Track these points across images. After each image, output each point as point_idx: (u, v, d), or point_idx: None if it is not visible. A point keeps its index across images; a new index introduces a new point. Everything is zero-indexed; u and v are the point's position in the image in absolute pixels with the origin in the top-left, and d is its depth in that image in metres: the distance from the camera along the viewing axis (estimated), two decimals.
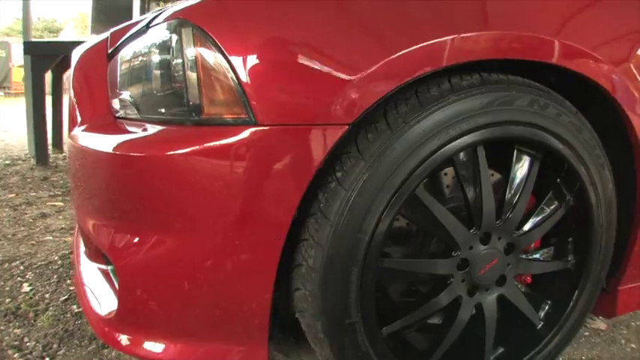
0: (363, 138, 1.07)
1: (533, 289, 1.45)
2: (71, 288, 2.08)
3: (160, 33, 1.09)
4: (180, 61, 1.03)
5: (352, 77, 1.01)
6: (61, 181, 4.03)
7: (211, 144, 1.00)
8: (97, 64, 1.35)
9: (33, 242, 2.61)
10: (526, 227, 1.32)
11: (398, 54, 1.03)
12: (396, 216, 1.10)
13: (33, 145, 4.66)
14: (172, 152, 1.01)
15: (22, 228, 2.84)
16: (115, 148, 1.09)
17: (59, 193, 3.68)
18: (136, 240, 1.09)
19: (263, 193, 1.02)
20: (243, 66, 0.99)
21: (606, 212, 1.34)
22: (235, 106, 1.00)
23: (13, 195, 3.58)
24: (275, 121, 1.00)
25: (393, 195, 1.07)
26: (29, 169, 4.49)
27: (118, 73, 1.25)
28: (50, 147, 4.85)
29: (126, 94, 1.21)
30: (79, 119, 1.36)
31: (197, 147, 1.00)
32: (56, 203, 3.38)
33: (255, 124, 1.00)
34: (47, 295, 2.01)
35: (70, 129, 1.36)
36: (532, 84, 1.21)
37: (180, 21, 1.03)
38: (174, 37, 1.04)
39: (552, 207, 1.35)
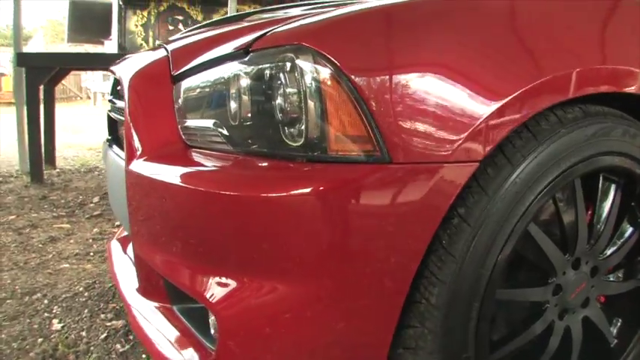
0: (483, 173, 1.04)
1: (606, 307, 1.45)
2: (108, 324, 1.93)
3: (268, 59, 1.00)
4: (295, 90, 0.95)
5: (489, 109, 0.97)
6: (62, 201, 3.83)
7: (336, 184, 0.92)
8: (158, 87, 1.23)
9: (50, 271, 2.47)
10: (608, 251, 1.33)
11: (535, 83, 1.01)
12: (513, 248, 1.08)
13: (27, 162, 4.46)
14: (294, 192, 0.92)
15: (33, 255, 2.69)
16: (218, 186, 0.99)
17: (63, 213, 3.49)
18: (246, 287, 1.01)
19: (391, 236, 0.96)
20: (377, 97, 0.92)
21: None
22: (366, 142, 0.93)
23: (13, 217, 3.37)
24: (409, 159, 0.94)
25: (514, 228, 1.06)
26: (24, 187, 4.25)
27: (195, 99, 1.16)
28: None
29: (207, 123, 1.12)
30: (137, 146, 1.22)
31: (321, 187, 0.92)
32: (63, 225, 3.22)
33: (388, 163, 0.93)
34: (83, 333, 1.86)
35: (129, 157, 1.22)
36: (623, 115, 1.24)
37: (299, 46, 0.95)
38: (290, 64, 0.96)
39: (630, 229, 1.36)
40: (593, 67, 1.11)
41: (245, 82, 1.03)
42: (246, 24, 1.40)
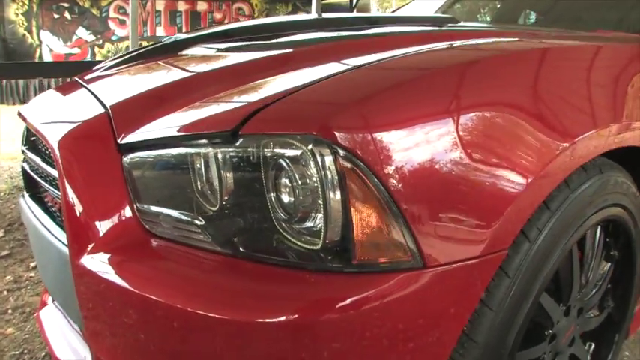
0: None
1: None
2: None
3: (267, 145, 0.79)
4: (306, 185, 0.77)
5: (516, 195, 0.87)
6: None
7: (365, 301, 0.75)
8: (103, 158, 0.97)
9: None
10: (592, 291, 1.30)
11: (557, 158, 0.93)
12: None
13: None
14: (308, 315, 0.74)
15: None
16: (200, 304, 0.77)
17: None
18: None
19: (418, 338, 0.83)
20: (409, 196, 0.76)
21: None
22: (397, 247, 0.77)
23: None
24: (442, 260, 0.80)
25: (532, 304, 0.98)
26: None
27: (157, 179, 0.93)
28: None
29: (176, 210, 0.90)
30: (83, 234, 0.95)
31: (346, 306, 0.74)
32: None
33: (421, 268, 0.79)
34: None
35: (75, 247, 0.94)
36: (612, 163, 1.19)
37: (313, 137, 0.76)
38: (300, 156, 0.77)
39: (607, 265, 1.34)
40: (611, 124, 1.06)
41: (232, 168, 0.83)
42: (205, 66, 1.17)
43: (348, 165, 0.74)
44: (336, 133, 0.75)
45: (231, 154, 0.81)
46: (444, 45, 1.12)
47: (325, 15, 2.06)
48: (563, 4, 2.19)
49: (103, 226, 0.91)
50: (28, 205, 1.30)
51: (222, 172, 0.82)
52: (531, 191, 0.90)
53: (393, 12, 2.90)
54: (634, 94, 1.16)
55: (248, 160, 0.80)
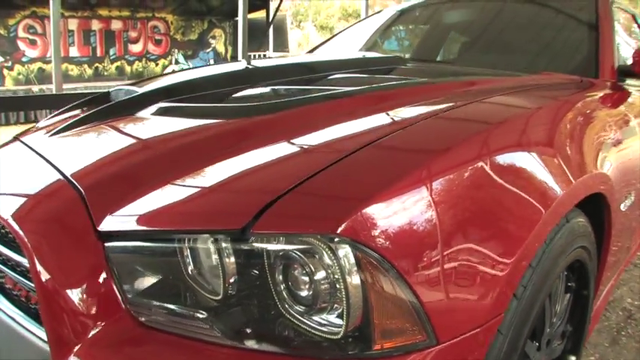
0: None
1: None
2: None
3: (280, 243, 0.77)
4: (324, 280, 0.76)
5: (514, 264, 0.91)
6: None
7: None
8: (77, 244, 0.89)
9: None
10: (558, 322, 1.35)
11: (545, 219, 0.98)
12: None
13: None
14: None
15: None
16: None
17: None
18: None
19: None
20: (423, 282, 0.78)
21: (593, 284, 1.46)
22: (414, 329, 0.78)
23: None
24: (453, 334, 0.82)
25: (520, 353, 1.02)
26: None
27: (148, 268, 0.85)
28: None
29: (171, 300, 0.83)
30: (64, 329, 0.85)
31: None
32: None
33: (435, 344, 0.79)
34: None
35: (57, 344, 0.84)
36: (579, 210, 1.24)
37: (331, 236, 0.75)
38: (318, 254, 0.76)
39: (567, 296, 1.40)
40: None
41: (242, 264, 0.78)
42: (175, 134, 1.09)
43: (366, 257, 0.75)
44: (353, 229, 0.75)
45: (240, 250, 0.78)
46: (445, 107, 1.12)
47: (255, 62, 2.00)
48: (486, 41, 2.26)
49: (90, 323, 0.82)
50: None
51: (228, 266, 0.77)
52: (523, 255, 0.93)
53: (316, 48, 2.88)
54: (596, 140, 1.22)
55: (260, 257, 0.77)
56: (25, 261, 0.93)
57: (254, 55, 14.70)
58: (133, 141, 1.13)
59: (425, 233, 0.80)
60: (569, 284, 1.41)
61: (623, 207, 1.53)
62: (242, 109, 1.18)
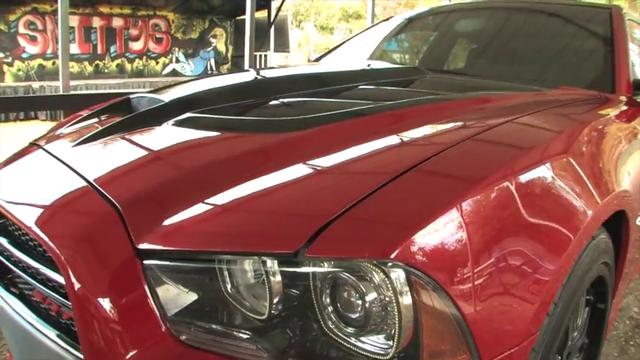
0: None
1: None
2: None
3: (334, 266, 0.78)
4: (376, 302, 0.78)
5: (548, 279, 0.94)
6: None
7: None
8: (116, 263, 0.87)
9: None
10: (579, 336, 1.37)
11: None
12: None
13: None
14: None
15: None
16: None
17: None
18: None
19: None
20: (470, 304, 0.80)
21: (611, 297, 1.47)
22: (459, 349, 0.80)
23: None
24: (494, 353, 0.84)
25: None
26: None
27: (191, 285, 0.85)
28: None
29: (212, 324, 0.83)
30: (104, 347, 0.85)
31: None
32: None
33: None
34: None
35: (92, 352, 0.85)
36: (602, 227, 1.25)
37: (385, 261, 0.77)
38: (371, 277, 0.77)
39: (586, 310, 1.42)
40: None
41: (291, 286, 0.79)
42: (210, 147, 1.09)
43: (417, 279, 0.76)
44: (405, 253, 0.76)
45: (290, 273, 0.78)
46: (477, 128, 1.13)
47: (265, 73, 1.99)
48: (496, 52, 2.26)
49: (129, 342, 0.82)
50: (2, 298, 1.15)
51: (275, 287, 0.78)
52: (558, 275, 0.96)
53: (324, 55, 2.87)
54: (618, 158, 1.23)
55: (309, 279, 0.77)
56: (58, 277, 0.92)
57: (259, 56, 14.70)
58: (166, 154, 1.12)
59: (470, 255, 0.82)
60: (588, 298, 1.42)
61: (638, 221, 1.54)
62: (275, 124, 1.18)
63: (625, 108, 1.64)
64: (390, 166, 0.95)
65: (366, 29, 3.17)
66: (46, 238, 0.94)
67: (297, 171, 0.96)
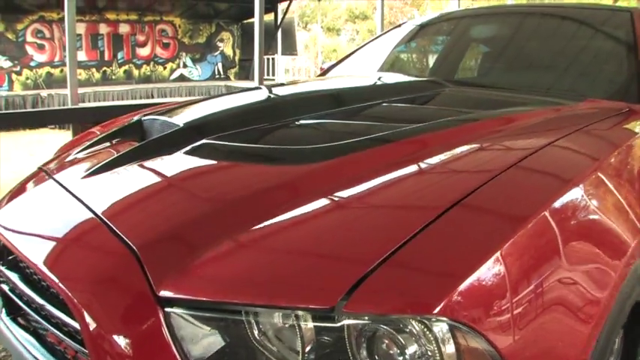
0: None
1: None
2: None
3: (373, 321, 0.74)
4: (419, 354, 0.73)
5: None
6: None
7: None
8: (134, 309, 0.83)
9: None
10: None
11: None
12: None
13: None
14: None
15: None
16: None
17: None
18: None
19: None
20: (514, 353, 0.76)
21: None
22: None
23: None
24: None
25: None
26: None
27: (211, 339, 0.79)
28: None
29: None
30: None
31: None
32: None
33: None
34: None
35: None
36: None
37: (429, 317, 0.72)
38: (412, 330, 0.73)
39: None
40: None
41: (325, 338, 0.74)
42: (234, 182, 1.05)
43: (460, 332, 0.72)
44: (449, 308, 0.70)
45: (325, 327, 0.73)
46: (514, 155, 1.07)
47: (278, 91, 1.92)
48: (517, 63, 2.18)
49: None
50: (13, 334, 1.11)
51: (307, 340, 0.72)
52: (605, 307, 0.92)
53: (334, 66, 2.81)
54: None
55: (346, 332, 0.72)
56: (74, 323, 0.88)
57: (266, 60, 14.72)
58: (184, 188, 1.06)
59: (514, 302, 0.77)
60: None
61: None
62: (298, 153, 1.11)
63: None
64: (428, 203, 0.89)
65: (377, 37, 3.11)
66: (56, 280, 0.89)
67: (327, 209, 0.90)
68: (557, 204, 0.91)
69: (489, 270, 0.75)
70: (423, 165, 1.04)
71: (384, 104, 1.51)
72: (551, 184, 0.99)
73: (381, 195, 0.95)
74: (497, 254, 0.77)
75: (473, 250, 0.78)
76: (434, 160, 1.05)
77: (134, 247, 0.87)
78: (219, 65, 14.93)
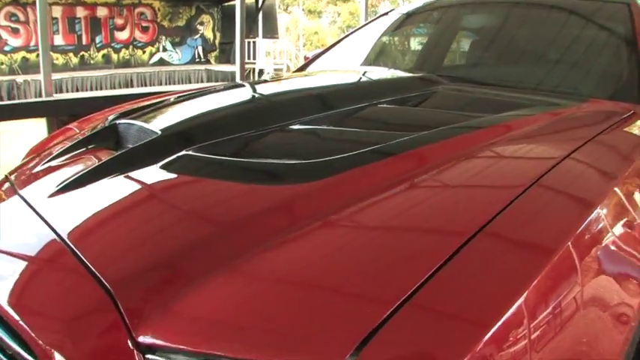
0: None
1: None
2: None
3: None
4: None
5: None
6: None
7: None
8: (107, 353, 0.72)
9: None
10: None
11: None
12: None
13: None
14: None
15: None
16: None
17: None
18: None
19: None
20: None
21: None
22: None
23: None
24: None
25: None
26: None
27: None
28: None
29: None
30: None
31: None
32: None
33: None
34: None
35: None
36: None
37: None
38: None
39: None
40: None
41: None
42: (221, 202, 0.93)
43: None
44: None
45: None
46: (530, 170, 0.98)
47: (262, 89, 1.79)
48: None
49: None
50: None
51: None
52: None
53: (318, 56, 2.70)
54: None
55: None
56: None
57: (247, 43, 14.47)
58: (164, 212, 0.95)
59: (543, 344, 0.69)
60: None
61: None
62: (292, 169, 0.99)
63: None
64: (446, 231, 0.79)
65: (363, 25, 2.99)
66: (18, 319, 0.78)
67: (330, 239, 0.79)
68: (583, 232, 0.83)
69: (515, 315, 0.66)
70: (427, 183, 0.93)
71: (378, 106, 1.40)
72: (574, 209, 0.90)
73: (388, 222, 0.83)
74: (524, 296, 0.68)
75: (498, 293, 0.68)
76: (440, 176, 0.95)
77: (108, 287, 0.76)
78: (200, 49, 14.63)
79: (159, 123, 1.31)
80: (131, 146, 1.18)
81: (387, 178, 0.91)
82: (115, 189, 1.04)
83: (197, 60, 14.46)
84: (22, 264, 0.91)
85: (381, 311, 0.63)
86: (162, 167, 1.06)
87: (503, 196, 0.85)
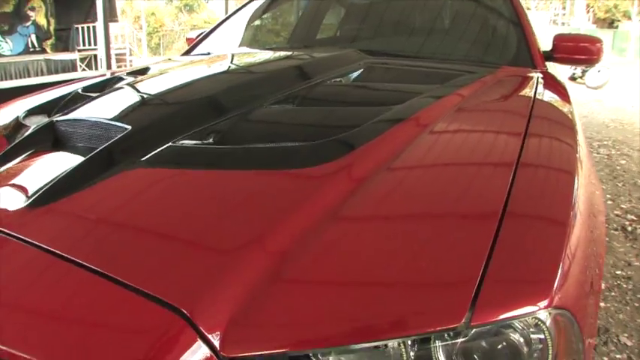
0: None
1: None
2: None
3: (504, 329, 0.69)
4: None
5: None
6: None
7: None
8: None
9: None
10: None
11: None
12: None
13: None
14: None
15: None
16: None
17: None
18: None
19: None
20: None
21: None
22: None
23: None
24: None
25: None
26: None
27: None
28: None
29: None
30: None
31: None
32: None
33: None
34: None
35: None
36: None
37: (549, 311, 0.69)
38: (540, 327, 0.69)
39: None
40: None
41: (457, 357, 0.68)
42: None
43: (562, 319, 0.71)
44: (558, 299, 0.69)
45: (456, 345, 0.67)
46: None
47: (214, 69, 1.70)
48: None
49: None
50: None
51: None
52: None
53: (203, 39, 2.62)
54: None
55: (475, 348, 0.67)
56: None
57: (81, 28, 13.21)
58: (198, 212, 0.85)
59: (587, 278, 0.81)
60: None
61: None
62: (296, 151, 0.98)
63: (562, 84, 1.67)
64: (481, 209, 0.85)
65: (246, 4, 2.92)
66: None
67: (392, 222, 0.83)
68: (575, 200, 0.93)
69: (568, 258, 0.75)
70: (436, 158, 1.00)
71: (328, 83, 1.41)
72: (561, 179, 1.00)
73: (429, 198, 0.89)
74: (568, 241, 0.77)
75: (551, 241, 0.78)
76: (447, 149, 1.02)
77: (178, 307, 0.68)
78: (33, 37, 13.04)
79: (129, 117, 1.17)
80: (106, 144, 1.04)
81: (402, 144, 0.98)
82: (122, 192, 0.93)
83: (31, 49, 12.89)
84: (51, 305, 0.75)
85: (474, 278, 0.69)
86: (148, 162, 0.98)
87: (505, 170, 0.94)
